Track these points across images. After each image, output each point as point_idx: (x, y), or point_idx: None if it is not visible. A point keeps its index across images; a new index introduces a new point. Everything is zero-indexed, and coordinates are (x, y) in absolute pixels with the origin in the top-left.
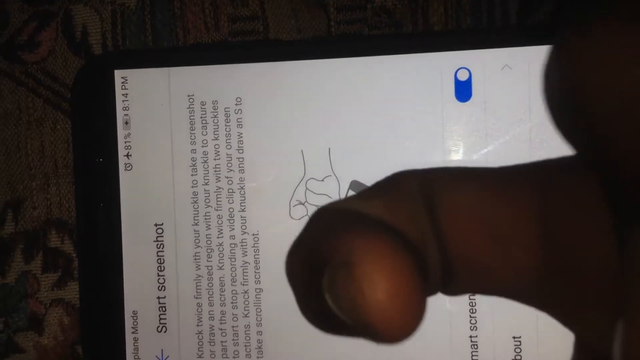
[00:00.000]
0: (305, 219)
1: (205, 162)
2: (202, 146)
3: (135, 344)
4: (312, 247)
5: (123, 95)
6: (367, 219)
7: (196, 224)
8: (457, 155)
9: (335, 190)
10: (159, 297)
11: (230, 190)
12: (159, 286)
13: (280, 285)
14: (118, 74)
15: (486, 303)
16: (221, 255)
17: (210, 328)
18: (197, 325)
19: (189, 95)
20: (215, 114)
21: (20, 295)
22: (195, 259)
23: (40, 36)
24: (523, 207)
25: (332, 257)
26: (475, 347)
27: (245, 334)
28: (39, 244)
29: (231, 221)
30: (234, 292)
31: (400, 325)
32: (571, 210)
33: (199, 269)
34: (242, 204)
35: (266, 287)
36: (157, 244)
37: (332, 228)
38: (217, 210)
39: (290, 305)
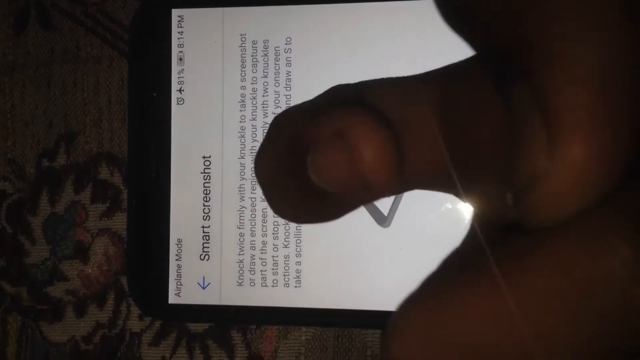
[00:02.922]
0: None
1: (254, 98)
2: (252, 83)
3: (178, 271)
4: (287, 137)
5: (179, 33)
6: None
7: (242, 157)
8: None
9: None
10: (203, 227)
11: None
12: (204, 216)
13: None
14: (175, 12)
15: None
16: None
17: (251, 257)
18: (239, 255)
19: (241, 35)
20: (265, 52)
21: (68, 224)
22: (239, 191)
23: None
24: (432, 105)
25: (317, 135)
26: None
27: (285, 264)
28: (89, 175)
29: None
30: (275, 223)
31: (389, 177)
32: (467, 99)
33: (243, 200)
34: None
35: None
36: (204, 176)
37: (307, 115)
38: None
39: (329, 237)
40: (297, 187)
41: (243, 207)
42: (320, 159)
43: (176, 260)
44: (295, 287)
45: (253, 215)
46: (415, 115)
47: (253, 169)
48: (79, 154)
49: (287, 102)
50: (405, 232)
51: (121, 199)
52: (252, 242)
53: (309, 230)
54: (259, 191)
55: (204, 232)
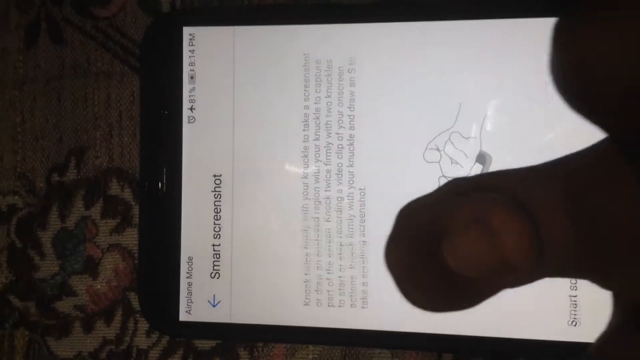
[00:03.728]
0: (437, 165)
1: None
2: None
3: (189, 289)
4: (422, 226)
5: (190, 51)
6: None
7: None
8: None
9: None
10: (213, 245)
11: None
12: (215, 234)
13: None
14: (186, 30)
15: None
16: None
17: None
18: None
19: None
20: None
21: (78, 240)
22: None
23: None
24: (561, 190)
25: (456, 221)
26: (575, 306)
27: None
28: (99, 190)
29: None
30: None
31: (529, 261)
32: (598, 180)
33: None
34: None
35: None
36: (215, 194)
37: (441, 205)
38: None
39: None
40: (434, 275)
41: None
42: (459, 243)
43: (187, 278)
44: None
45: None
46: (546, 201)
47: (384, 260)
48: (89, 169)
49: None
50: None
51: (132, 214)
52: None
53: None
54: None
55: (214, 250)
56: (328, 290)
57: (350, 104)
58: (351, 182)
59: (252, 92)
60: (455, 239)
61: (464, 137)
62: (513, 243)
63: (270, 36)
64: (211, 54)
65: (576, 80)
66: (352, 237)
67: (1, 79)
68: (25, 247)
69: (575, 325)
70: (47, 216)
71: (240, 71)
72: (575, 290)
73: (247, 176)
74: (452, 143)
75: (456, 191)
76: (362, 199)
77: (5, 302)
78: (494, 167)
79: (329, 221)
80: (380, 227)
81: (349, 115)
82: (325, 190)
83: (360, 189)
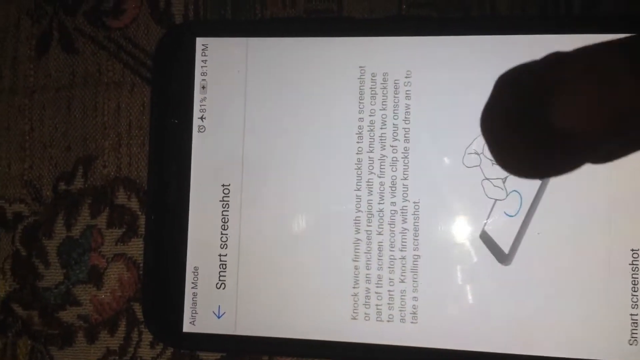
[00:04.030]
0: (478, 168)
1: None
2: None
3: (194, 299)
4: (528, 83)
5: (202, 61)
6: None
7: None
8: None
9: None
10: (220, 255)
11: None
12: (222, 244)
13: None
14: (199, 41)
15: None
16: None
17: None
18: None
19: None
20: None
21: (83, 249)
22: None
23: (125, 4)
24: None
25: (573, 69)
26: (636, 325)
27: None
28: (106, 200)
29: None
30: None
31: None
32: None
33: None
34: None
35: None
36: (223, 204)
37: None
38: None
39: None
40: (536, 134)
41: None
42: (569, 99)
43: (192, 288)
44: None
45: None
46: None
47: (481, 128)
48: (97, 178)
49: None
50: (526, 271)
51: (138, 224)
52: None
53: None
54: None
55: (220, 260)
56: (377, 305)
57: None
58: (406, 195)
59: (263, 102)
60: (564, 92)
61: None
62: (631, 87)
63: (283, 48)
64: (223, 65)
65: None
66: (405, 251)
67: (11, 87)
68: (30, 256)
69: (635, 345)
70: (53, 225)
71: (252, 82)
72: (637, 308)
73: (256, 186)
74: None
75: (557, 60)
76: (412, 212)
77: (8, 310)
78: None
79: (382, 234)
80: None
81: (399, 128)
82: (378, 203)
83: (414, 202)
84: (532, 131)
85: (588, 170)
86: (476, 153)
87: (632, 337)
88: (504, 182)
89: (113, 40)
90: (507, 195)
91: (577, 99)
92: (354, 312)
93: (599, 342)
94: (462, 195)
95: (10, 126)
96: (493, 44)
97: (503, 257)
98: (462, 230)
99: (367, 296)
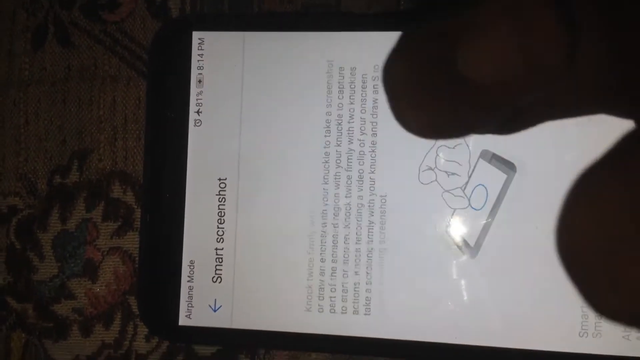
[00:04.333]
0: (435, 184)
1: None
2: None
3: (189, 293)
4: (434, 32)
5: (199, 55)
6: None
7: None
8: None
9: (466, 159)
10: (216, 249)
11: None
12: (218, 238)
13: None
14: (196, 35)
15: None
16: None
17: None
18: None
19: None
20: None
21: (78, 242)
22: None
23: None
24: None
25: (482, 17)
26: (586, 317)
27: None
28: (101, 193)
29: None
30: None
31: (564, 58)
32: None
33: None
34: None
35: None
36: (219, 197)
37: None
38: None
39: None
40: (442, 88)
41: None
42: (481, 44)
43: (188, 281)
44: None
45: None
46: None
47: (381, 78)
48: (92, 172)
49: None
50: (492, 263)
51: (133, 217)
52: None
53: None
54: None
55: (217, 254)
56: (331, 297)
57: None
58: (372, 189)
59: (260, 96)
60: (481, 36)
61: (449, 147)
62: (546, 37)
63: (280, 42)
64: (220, 59)
65: None
66: (359, 243)
67: (6, 81)
68: (24, 249)
69: (585, 337)
70: (48, 218)
71: (249, 76)
72: None
73: (253, 180)
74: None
75: (459, 9)
76: (382, 206)
77: (2, 303)
78: (521, 172)
79: (337, 227)
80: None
81: (371, 122)
82: (340, 198)
83: (380, 196)
84: (441, 81)
85: (554, 160)
86: (430, 169)
87: (583, 329)
88: (463, 190)
89: (109, 34)
90: (468, 204)
91: (486, 47)
92: (307, 304)
93: (552, 334)
94: (429, 189)
95: (5, 119)
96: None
97: (469, 250)
98: (427, 223)
99: (321, 288)
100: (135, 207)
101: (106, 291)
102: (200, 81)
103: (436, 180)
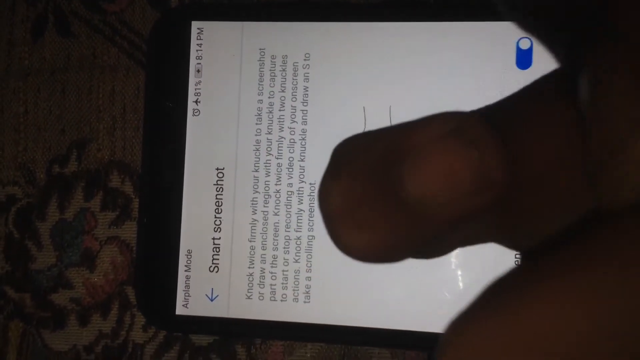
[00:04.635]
0: None
1: (271, 112)
2: (269, 97)
3: (187, 282)
4: (375, 153)
5: (197, 45)
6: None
7: (256, 170)
8: None
9: None
10: (214, 238)
11: (292, 141)
12: (215, 227)
13: None
14: (195, 24)
15: None
16: (277, 202)
17: (261, 271)
18: (249, 267)
19: (260, 49)
20: (283, 67)
21: (76, 232)
22: (252, 204)
23: None
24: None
25: (423, 138)
26: None
27: (295, 278)
28: (99, 183)
29: (290, 170)
30: (287, 237)
31: (506, 177)
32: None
33: (255, 213)
34: (302, 154)
35: (318, 235)
36: (217, 187)
37: (399, 128)
38: (277, 158)
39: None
40: (383, 211)
41: (255, 220)
42: (428, 163)
43: (185, 271)
44: (305, 302)
45: (265, 229)
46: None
47: (318, 200)
48: (91, 161)
49: (304, 117)
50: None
51: (131, 207)
52: (262, 256)
53: (320, 245)
54: (271, 205)
55: (214, 244)
56: (271, 284)
57: (303, 99)
58: (302, 176)
59: (258, 86)
60: (422, 156)
61: None
62: (489, 158)
63: (278, 32)
64: (219, 49)
65: None
66: (300, 231)
67: (6, 70)
68: (22, 238)
69: None
70: (46, 207)
71: (248, 66)
72: None
73: (251, 170)
74: None
75: (398, 128)
76: (311, 194)
77: (0, 293)
78: None
79: (277, 215)
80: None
81: (302, 110)
82: (276, 184)
83: (310, 184)
84: (379, 204)
85: None
86: None
87: None
88: None
89: (108, 23)
90: None
91: (427, 166)
92: (248, 292)
93: None
94: None
95: (4, 109)
96: (390, 30)
97: None
98: None
99: (262, 276)
100: (134, 197)
101: (104, 281)
102: (199, 71)
103: None
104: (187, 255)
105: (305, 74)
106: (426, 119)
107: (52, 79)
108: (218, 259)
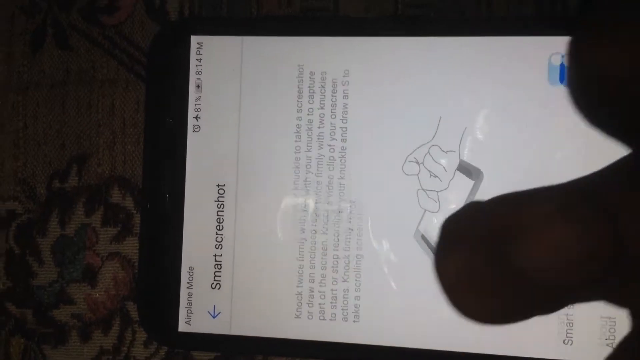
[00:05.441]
0: (416, 177)
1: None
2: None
3: (189, 299)
4: (486, 228)
5: (197, 59)
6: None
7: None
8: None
9: (453, 167)
10: (215, 255)
11: (331, 158)
12: (217, 244)
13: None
14: (194, 39)
15: None
16: (326, 220)
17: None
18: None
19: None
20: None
21: (78, 247)
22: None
23: (120, 1)
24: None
25: (537, 215)
26: (571, 325)
27: (344, 298)
28: (100, 198)
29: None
30: (335, 256)
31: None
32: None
33: (304, 232)
34: (342, 173)
35: (367, 254)
36: (218, 204)
37: (511, 202)
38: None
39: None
40: (497, 281)
41: (303, 239)
42: (539, 241)
43: (187, 288)
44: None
45: (313, 247)
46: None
47: (436, 274)
48: (91, 177)
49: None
50: None
51: (132, 223)
52: (311, 275)
53: (369, 265)
54: (319, 224)
55: (216, 260)
56: (320, 304)
57: (332, 113)
58: (342, 194)
59: (259, 102)
60: (534, 236)
61: (443, 150)
62: (596, 240)
63: (278, 47)
64: (219, 64)
65: (596, 94)
66: (348, 250)
67: (5, 84)
68: (23, 254)
69: (570, 345)
70: (47, 223)
71: (248, 81)
72: (572, 308)
73: (252, 186)
74: (432, 156)
75: (504, 203)
76: (352, 212)
77: (1, 309)
78: (485, 182)
79: (326, 234)
80: (368, 239)
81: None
82: (318, 203)
83: (351, 202)
84: (493, 275)
85: (522, 167)
86: (416, 162)
87: (567, 337)
88: (438, 195)
89: (108, 37)
90: (439, 209)
91: (538, 243)
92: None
93: (536, 341)
94: (399, 195)
95: (3, 123)
96: (433, 46)
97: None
98: (399, 229)
99: (311, 295)
100: (135, 212)
101: (105, 297)
102: (198, 86)
103: (419, 173)
104: (189, 272)
105: (309, 87)
106: (532, 194)
107: (52, 93)
108: (220, 276)
